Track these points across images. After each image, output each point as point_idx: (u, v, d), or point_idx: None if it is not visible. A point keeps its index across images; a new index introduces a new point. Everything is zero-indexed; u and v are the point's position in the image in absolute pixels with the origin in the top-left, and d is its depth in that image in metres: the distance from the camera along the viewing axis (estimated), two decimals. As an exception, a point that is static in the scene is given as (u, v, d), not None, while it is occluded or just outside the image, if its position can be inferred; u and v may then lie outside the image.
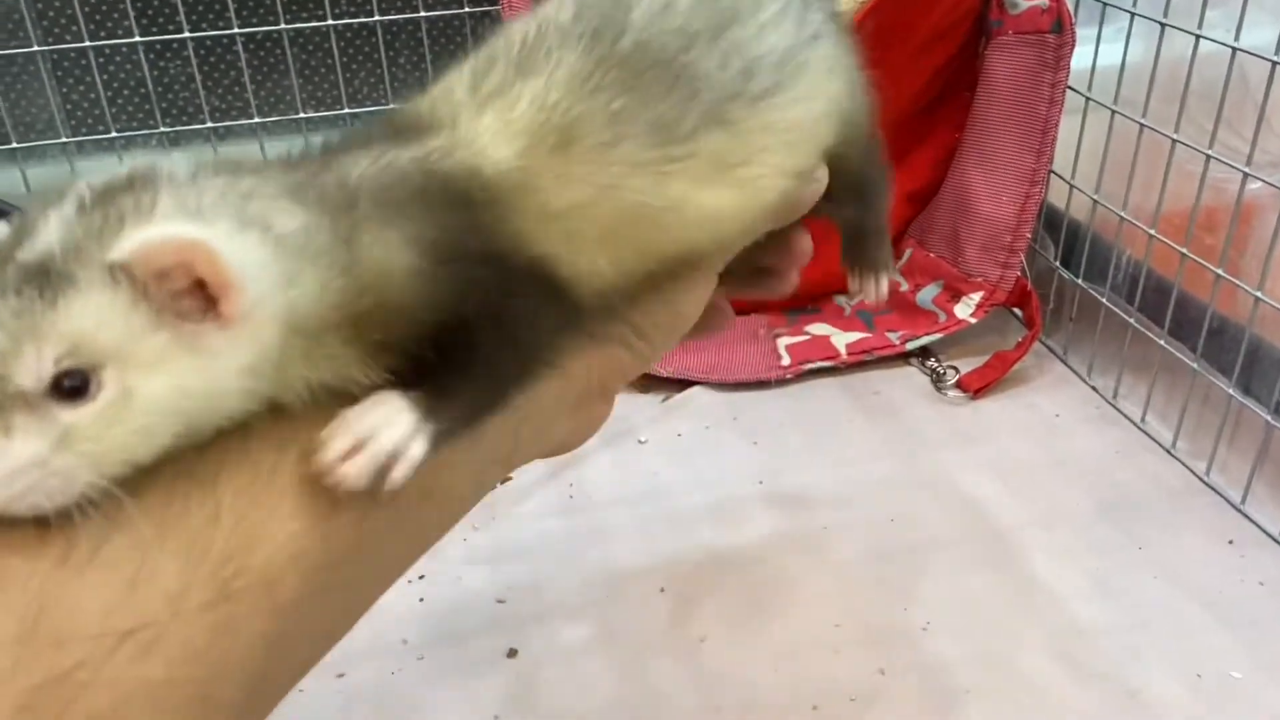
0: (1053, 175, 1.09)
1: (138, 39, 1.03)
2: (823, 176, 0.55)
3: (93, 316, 0.35)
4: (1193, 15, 0.90)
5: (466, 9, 1.11)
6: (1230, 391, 0.90)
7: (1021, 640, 0.77)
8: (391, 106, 1.11)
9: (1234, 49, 0.87)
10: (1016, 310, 1.14)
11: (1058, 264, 1.13)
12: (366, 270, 0.39)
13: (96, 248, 0.35)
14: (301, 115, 1.09)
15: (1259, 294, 0.85)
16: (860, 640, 0.77)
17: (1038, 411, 1.05)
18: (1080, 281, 1.10)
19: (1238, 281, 0.87)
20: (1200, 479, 0.93)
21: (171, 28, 1.07)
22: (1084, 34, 1.04)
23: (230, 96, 1.15)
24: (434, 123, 0.45)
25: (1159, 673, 0.73)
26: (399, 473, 0.38)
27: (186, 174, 0.39)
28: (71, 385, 0.35)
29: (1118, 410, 1.04)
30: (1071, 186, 1.09)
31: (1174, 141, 0.92)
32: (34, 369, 0.34)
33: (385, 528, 0.41)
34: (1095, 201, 1.05)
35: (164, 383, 0.36)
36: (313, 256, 0.38)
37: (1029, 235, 1.08)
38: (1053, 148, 1.05)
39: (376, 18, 1.08)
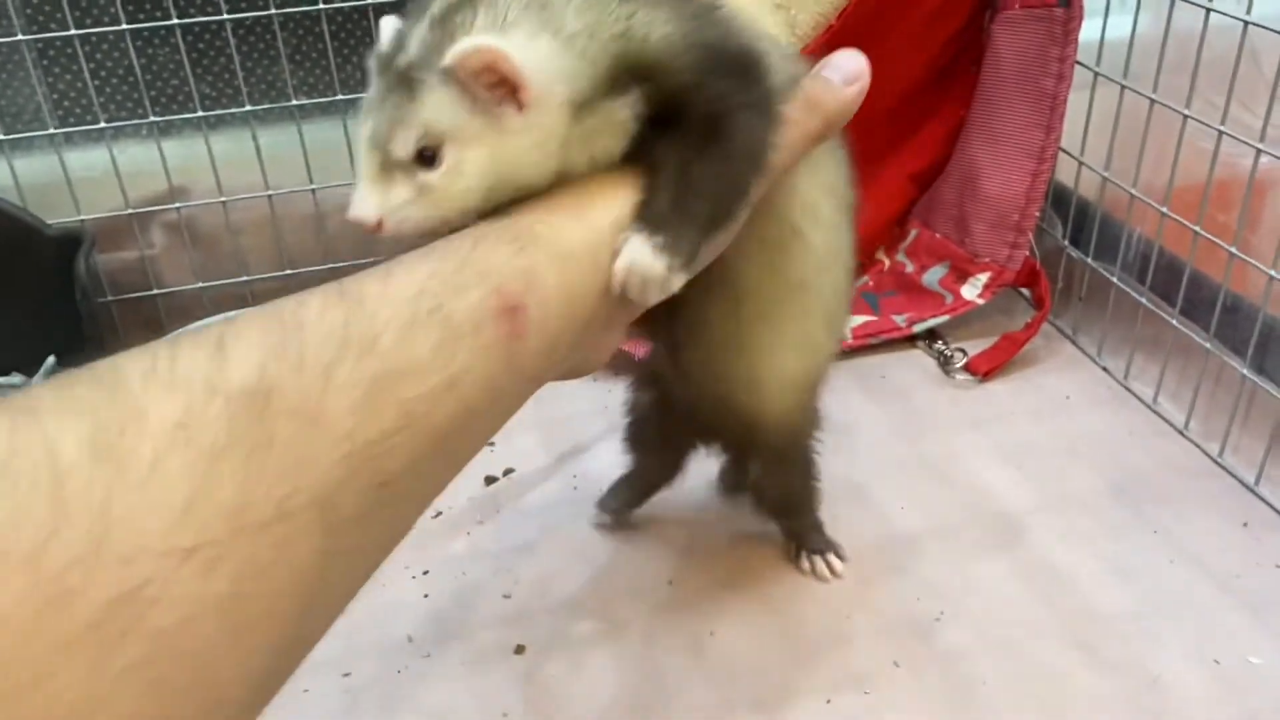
0: (1060, 152, 1.07)
1: (125, 26, 1.01)
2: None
3: (436, 108, 0.49)
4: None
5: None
6: (1244, 372, 0.88)
7: (1037, 628, 0.76)
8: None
9: (1246, 22, 0.85)
10: (1024, 290, 1.13)
11: (1066, 243, 1.12)
12: (635, 38, 0.51)
13: (436, 58, 0.49)
14: (294, 103, 1.07)
15: (1274, 273, 0.83)
16: (873, 631, 0.76)
17: (1048, 393, 1.03)
18: (1090, 260, 1.08)
19: (1252, 260, 0.86)
20: (1214, 460, 0.92)
21: (159, 14, 1.04)
22: (1091, 5, 1.01)
23: (220, 84, 1.12)
24: None
25: (1178, 659, 0.72)
26: (654, 297, 0.50)
27: None
28: (427, 155, 0.50)
29: (1129, 391, 1.02)
30: (1080, 164, 1.07)
31: (1185, 117, 0.90)
32: (404, 144, 0.49)
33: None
34: (1105, 179, 1.03)
35: (482, 153, 0.50)
36: (593, 42, 0.51)
37: (1037, 214, 1.06)
38: (1061, 124, 1.03)
39: (369, 0, 1.05)
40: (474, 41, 0.48)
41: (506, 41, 0.48)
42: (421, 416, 0.41)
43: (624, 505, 0.87)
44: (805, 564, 0.82)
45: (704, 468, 0.86)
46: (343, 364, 0.40)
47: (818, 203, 0.64)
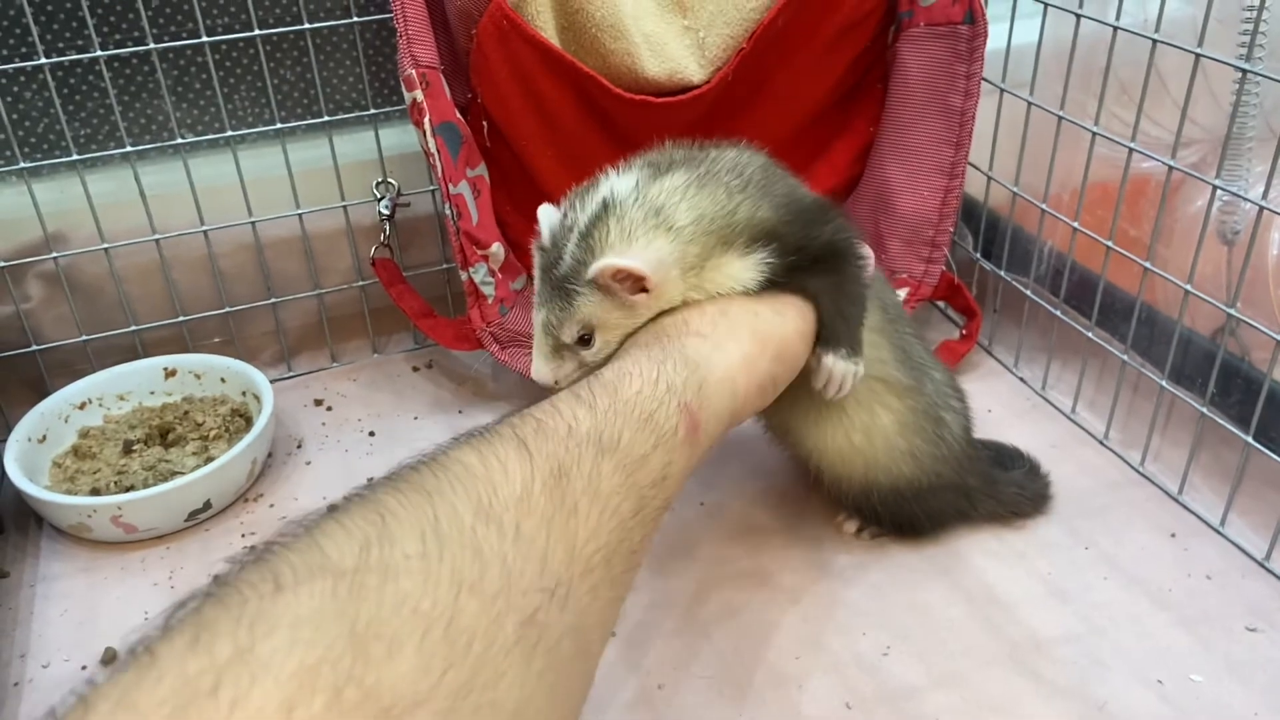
0: (969, 166, 1.08)
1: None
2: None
3: (589, 308, 0.68)
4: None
5: (355, 18, 1.04)
6: (1163, 383, 0.90)
7: (983, 657, 0.76)
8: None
9: (1115, 28, 0.87)
10: (939, 303, 1.13)
11: (978, 255, 1.12)
12: (741, 220, 0.70)
13: (583, 270, 0.67)
14: (179, 141, 1.00)
15: (1188, 287, 0.85)
16: (822, 672, 0.75)
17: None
18: (1003, 273, 1.09)
19: (1167, 275, 0.87)
20: (1136, 470, 0.94)
21: (25, 52, 0.96)
22: (993, 11, 1.02)
23: (96, 122, 1.05)
24: None
25: (1122, 682, 0.73)
26: (850, 384, 0.73)
27: (628, 197, 0.69)
28: (584, 339, 0.70)
29: (1048, 402, 1.03)
30: (989, 179, 1.07)
31: (1094, 134, 0.92)
32: (570, 334, 0.69)
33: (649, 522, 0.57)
34: (1015, 194, 1.04)
35: (619, 331, 0.70)
36: (699, 228, 0.69)
37: (951, 229, 1.07)
38: (970, 140, 1.04)
39: (255, 33, 0.99)
40: (606, 261, 0.66)
41: (631, 252, 0.67)
42: (649, 500, 0.55)
43: None
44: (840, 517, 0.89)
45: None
46: (605, 458, 0.53)
47: None
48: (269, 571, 0.42)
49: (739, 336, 0.66)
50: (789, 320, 0.70)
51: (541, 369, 0.72)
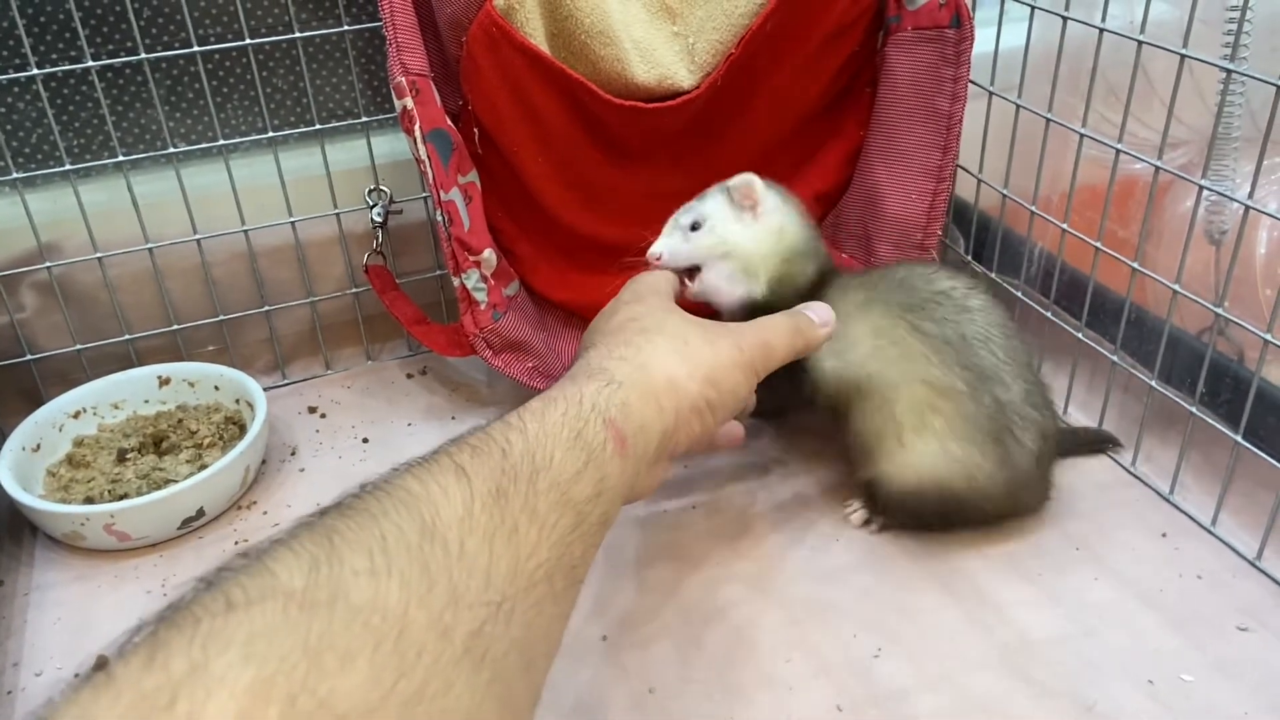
0: (959, 169, 1.08)
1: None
2: None
3: (710, 205, 0.89)
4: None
5: (346, 27, 1.04)
6: (1152, 383, 0.90)
7: (974, 659, 0.76)
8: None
9: (1101, 30, 0.87)
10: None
11: (969, 257, 1.13)
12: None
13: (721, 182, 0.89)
14: (171, 150, 1.01)
15: (1176, 287, 0.85)
16: (813, 674, 0.75)
17: (962, 410, 1.04)
18: (994, 275, 1.09)
19: (1156, 276, 0.87)
20: (1127, 470, 0.94)
21: (18, 63, 0.97)
22: (983, 16, 1.02)
23: (89, 133, 1.05)
24: None
25: (1113, 683, 0.73)
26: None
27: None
28: (695, 226, 0.88)
29: (1040, 403, 1.03)
30: (980, 181, 1.08)
31: (1081, 136, 0.92)
32: (688, 219, 0.89)
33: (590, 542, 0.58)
34: (1005, 196, 1.04)
35: (723, 230, 0.88)
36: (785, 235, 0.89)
37: (940, 232, 1.07)
38: (958, 144, 1.04)
39: (247, 42, 0.99)
40: (743, 176, 0.86)
41: (756, 179, 0.86)
42: (586, 515, 0.57)
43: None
44: (849, 507, 0.91)
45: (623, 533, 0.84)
46: (540, 477, 0.55)
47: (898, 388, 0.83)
48: (220, 594, 0.43)
49: (662, 359, 0.68)
50: (721, 350, 0.72)
51: (657, 243, 0.89)
